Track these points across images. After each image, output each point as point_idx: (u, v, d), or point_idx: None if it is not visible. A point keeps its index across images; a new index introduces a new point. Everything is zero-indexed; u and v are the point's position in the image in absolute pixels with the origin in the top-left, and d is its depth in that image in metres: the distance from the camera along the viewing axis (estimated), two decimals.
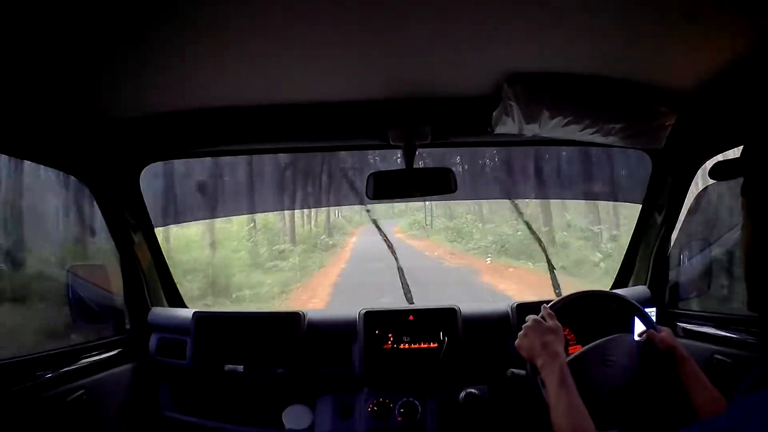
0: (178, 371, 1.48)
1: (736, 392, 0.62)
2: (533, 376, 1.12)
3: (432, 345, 1.45)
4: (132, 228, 1.48)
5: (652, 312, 1.46)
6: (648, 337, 1.15)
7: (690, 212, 1.55)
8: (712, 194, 1.53)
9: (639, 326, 1.34)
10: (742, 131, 1.17)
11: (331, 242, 12.93)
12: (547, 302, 1.26)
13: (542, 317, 1.10)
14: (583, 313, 1.35)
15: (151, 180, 1.57)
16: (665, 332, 1.15)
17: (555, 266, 1.74)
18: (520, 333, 1.10)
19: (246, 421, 1.46)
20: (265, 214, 10.29)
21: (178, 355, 1.47)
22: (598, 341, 1.16)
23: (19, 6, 0.74)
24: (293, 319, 1.47)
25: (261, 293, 7.86)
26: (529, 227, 2.17)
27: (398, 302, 1.69)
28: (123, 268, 1.51)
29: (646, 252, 1.59)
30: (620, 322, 1.46)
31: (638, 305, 1.25)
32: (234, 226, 9.77)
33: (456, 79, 1.15)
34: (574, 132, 1.22)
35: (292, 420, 1.44)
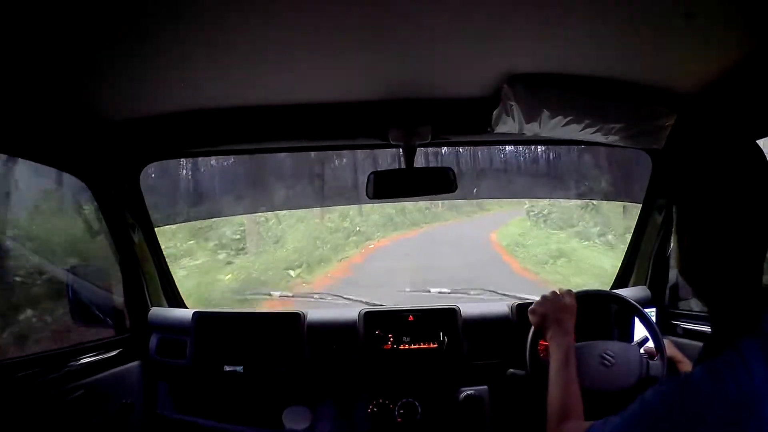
0: (178, 371, 1.48)
1: None
2: (533, 343, 1.15)
3: (432, 345, 1.45)
4: (132, 228, 1.48)
5: (652, 312, 1.46)
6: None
7: None
8: None
9: (639, 327, 1.34)
10: (742, 131, 1.17)
11: None
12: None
13: (562, 295, 1.12)
14: (583, 312, 1.35)
15: (151, 180, 1.57)
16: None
17: None
18: (537, 300, 1.12)
19: (246, 421, 1.46)
20: None
21: (178, 355, 1.47)
22: (605, 341, 1.17)
23: (22, 8, 0.74)
24: (293, 319, 1.47)
25: None
26: None
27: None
28: (123, 268, 1.51)
29: (646, 252, 1.59)
30: (621, 322, 1.46)
31: (649, 315, 1.25)
32: None
33: (456, 80, 1.14)
34: (575, 132, 1.22)
35: (292, 420, 1.44)
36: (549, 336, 1.04)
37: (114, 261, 1.50)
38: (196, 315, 1.48)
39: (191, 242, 6.24)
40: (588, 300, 1.26)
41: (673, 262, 1.53)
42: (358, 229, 9.09)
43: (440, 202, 10.37)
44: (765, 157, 0.69)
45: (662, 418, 0.63)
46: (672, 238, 0.77)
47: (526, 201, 8.91)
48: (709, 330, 0.75)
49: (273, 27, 0.85)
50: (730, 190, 0.68)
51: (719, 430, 0.59)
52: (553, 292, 1.13)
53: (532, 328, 1.19)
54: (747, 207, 0.67)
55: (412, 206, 10.27)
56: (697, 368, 0.63)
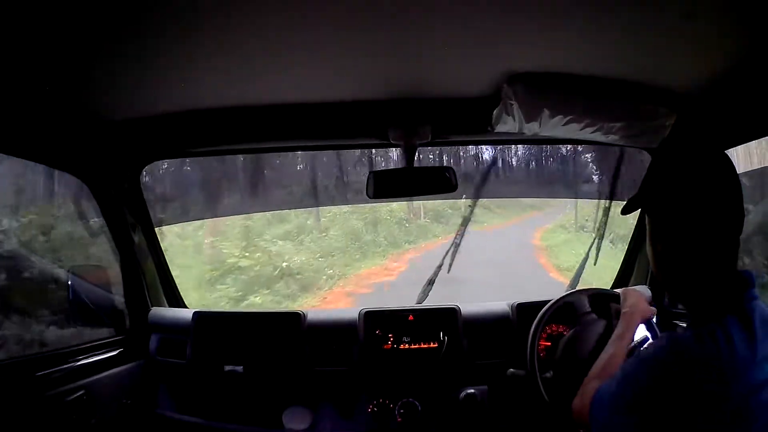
0: (178, 371, 1.48)
1: None
2: (533, 342, 1.23)
3: (432, 345, 1.45)
4: (132, 228, 1.48)
5: None
6: None
7: None
8: None
9: (639, 327, 1.34)
10: (742, 131, 1.17)
11: None
12: (546, 302, 1.28)
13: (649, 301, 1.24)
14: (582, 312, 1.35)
15: (151, 180, 1.57)
16: None
17: None
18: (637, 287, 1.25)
19: (246, 421, 1.46)
20: None
21: (178, 355, 1.47)
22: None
23: (22, 9, 0.74)
24: (293, 318, 1.47)
25: None
26: None
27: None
28: (123, 268, 1.51)
29: (646, 252, 1.58)
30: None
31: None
32: None
33: (456, 79, 1.14)
34: (574, 131, 1.22)
35: (292, 420, 1.44)
36: (623, 311, 1.13)
37: (114, 261, 1.50)
38: (196, 315, 1.48)
39: None
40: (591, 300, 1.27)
41: None
42: (284, 265, 5.00)
43: (422, 210, 8.89)
44: (733, 166, 0.73)
45: (657, 366, 0.70)
46: (646, 245, 0.80)
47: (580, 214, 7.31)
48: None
49: (273, 27, 0.85)
50: (701, 198, 0.72)
51: (705, 388, 0.64)
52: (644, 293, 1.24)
53: (534, 323, 1.25)
54: (719, 213, 0.72)
55: (387, 215, 7.61)
56: (686, 332, 0.70)
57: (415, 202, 8.34)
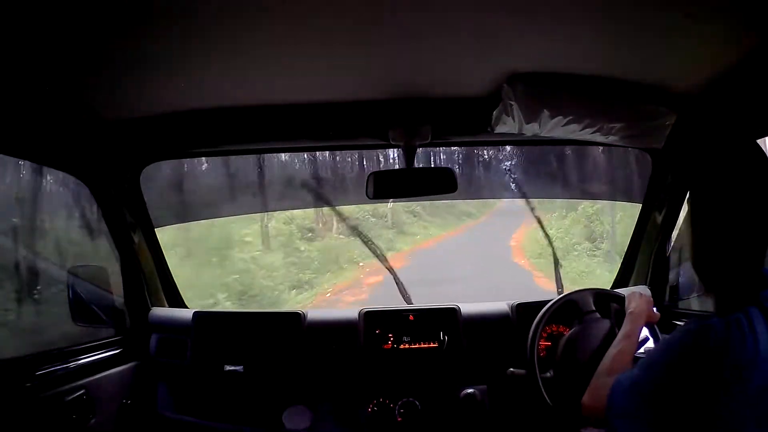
0: (178, 371, 1.48)
1: None
2: (533, 341, 1.24)
3: (432, 345, 1.45)
4: (132, 228, 1.48)
5: None
6: None
7: None
8: None
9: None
10: (742, 130, 1.17)
11: None
12: (547, 302, 1.28)
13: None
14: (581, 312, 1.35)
15: (151, 180, 1.57)
16: None
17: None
18: (646, 293, 1.30)
19: (246, 421, 1.46)
20: None
21: (178, 355, 1.47)
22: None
23: (22, 8, 0.74)
24: (293, 318, 1.47)
25: None
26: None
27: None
28: (123, 269, 1.50)
29: (646, 252, 1.59)
30: (621, 322, 1.46)
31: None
32: None
33: (456, 79, 1.15)
34: (574, 131, 1.22)
35: (292, 420, 1.44)
36: (629, 311, 1.15)
37: (114, 261, 1.50)
38: (196, 315, 1.48)
39: None
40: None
41: (673, 261, 1.54)
42: None
43: (334, 219, 6.96)
44: (765, 155, 0.74)
45: (683, 349, 0.71)
46: (685, 227, 0.81)
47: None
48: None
49: (273, 27, 0.85)
50: (735, 185, 0.74)
51: (726, 374, 0.65)
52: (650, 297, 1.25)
53: (535, 322, 1.25)
54: (751, 201, 0.73)
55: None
56: (713, 319, 0.70)
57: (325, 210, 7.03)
